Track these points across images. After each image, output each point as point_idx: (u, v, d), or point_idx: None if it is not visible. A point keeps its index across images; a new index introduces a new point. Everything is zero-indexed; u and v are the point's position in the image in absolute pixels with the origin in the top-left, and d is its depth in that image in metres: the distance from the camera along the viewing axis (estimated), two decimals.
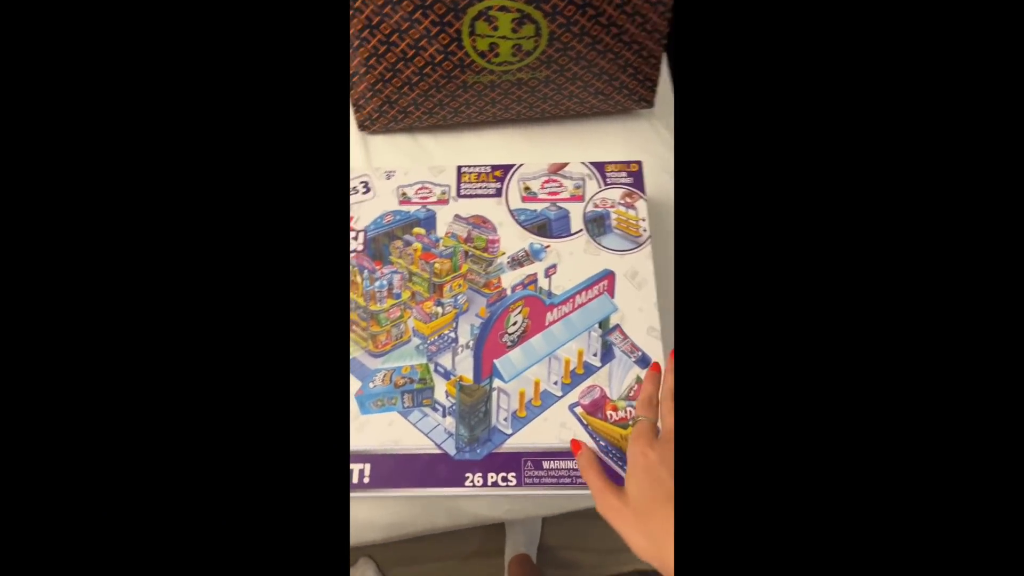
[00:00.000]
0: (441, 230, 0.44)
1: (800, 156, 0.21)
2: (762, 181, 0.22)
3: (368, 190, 0.46)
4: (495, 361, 0.40)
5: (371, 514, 0.47)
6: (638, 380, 0.39)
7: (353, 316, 0.41)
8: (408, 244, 0.44)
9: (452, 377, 0.40)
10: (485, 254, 0.43)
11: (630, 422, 0.38)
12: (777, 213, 0.22)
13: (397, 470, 0.37)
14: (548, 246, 0.43)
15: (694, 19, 0.24)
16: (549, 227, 0.44)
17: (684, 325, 0.24)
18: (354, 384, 0.40)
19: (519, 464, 0.38)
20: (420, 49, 0.46)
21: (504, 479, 0.37)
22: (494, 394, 0.39)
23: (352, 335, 0.41)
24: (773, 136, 0.22)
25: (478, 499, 0.48)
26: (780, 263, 0.21)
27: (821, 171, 0.21)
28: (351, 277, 0.42)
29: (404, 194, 0.45)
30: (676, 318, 0.25)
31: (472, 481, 0.37)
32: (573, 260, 0.43)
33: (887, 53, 0.21)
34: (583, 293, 0.42)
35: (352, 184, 0.46)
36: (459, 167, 0.46)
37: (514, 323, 0.41)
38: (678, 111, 0.26)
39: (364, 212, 0.45)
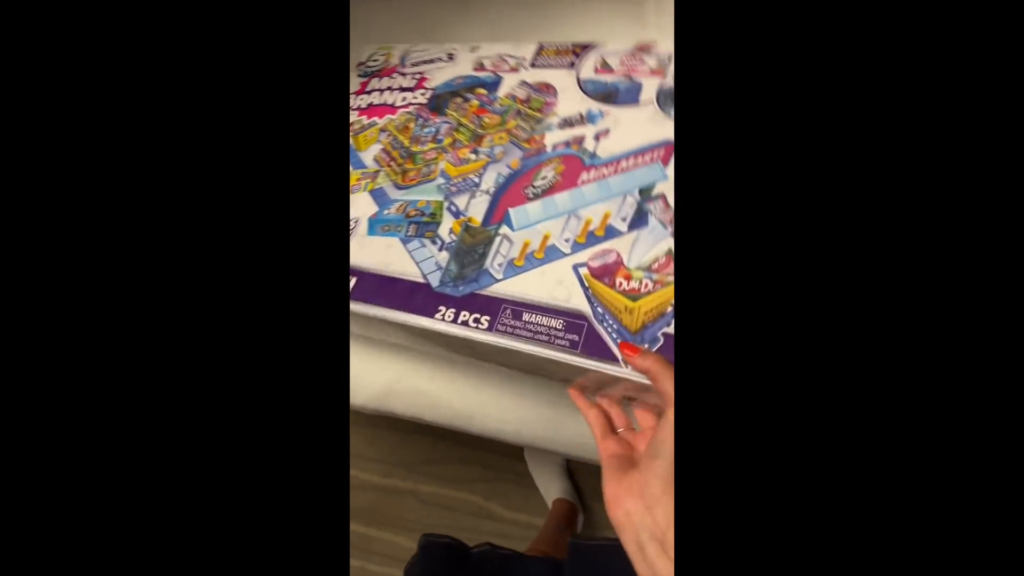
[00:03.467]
0: (503, 92, 0.42)
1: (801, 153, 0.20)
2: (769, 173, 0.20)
3: (451, 59, 0.47)
4: (510, 208, 0.36)
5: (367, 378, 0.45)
6: (669, 252, 0.31)
7: (394, 154, 0.42)
8: (467, 101, 0.43)
9: (461, 217, 0.36)
10: (537, 114, 0.40)
11: (640, 295, 0.30)
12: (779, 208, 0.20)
13: (378, 289, 0.35)
14: (607, 113, 0.38)
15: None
16: (615, 96, 0.39)
17: (685, 321, 0.21)
18: (371, 208, 0.39)
19: (497, 309, 0.32)
20: None
21: (476, 320, 0.32)
22: (497, 239, 0.35)
23: (387, 170, 0.41)
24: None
25: (462, 392, 0.43)
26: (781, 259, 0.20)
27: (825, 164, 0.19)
28: (407, 124, 0.43)
29: (481, 63, 0.45)
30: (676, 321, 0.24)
31: (443, 315, 0.33)
32: (632, 127, 0.37)
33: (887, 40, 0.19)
34: (632, 158, 0.35)
35: (439, 54, 0.47)
36: (541, 43, 0.44)
37: (543, 177, 0.36)
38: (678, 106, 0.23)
39: (439, 75, 0.46)
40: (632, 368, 0.28)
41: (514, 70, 0.43)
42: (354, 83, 0.48)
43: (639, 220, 0.33)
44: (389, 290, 0.35)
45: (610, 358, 0.29)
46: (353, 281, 0.36)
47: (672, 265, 0.31)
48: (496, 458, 0.87)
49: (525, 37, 0.46)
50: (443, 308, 0.33)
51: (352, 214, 0.39)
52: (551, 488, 0.81)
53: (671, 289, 0.30)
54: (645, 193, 0.34)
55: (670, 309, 0.30)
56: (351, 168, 0.42)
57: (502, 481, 0.86)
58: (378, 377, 0.45)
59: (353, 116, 0.45)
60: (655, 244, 0.32)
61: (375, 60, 0.49)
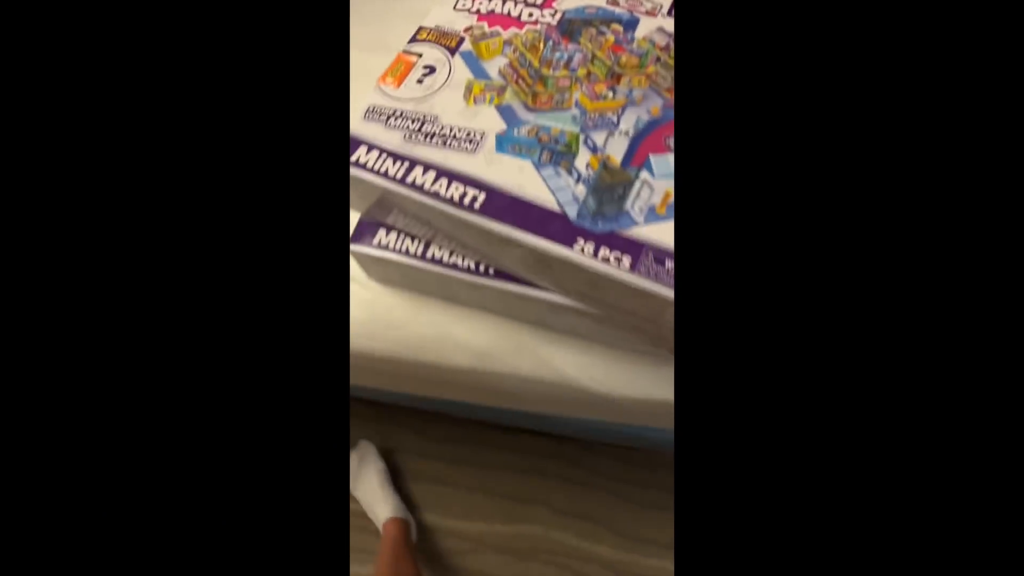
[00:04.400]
0: (640, 34, 0.41)
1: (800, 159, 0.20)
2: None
3: None
4: (651, 155, 0.36)
5: (468, 335, 0.45)
6: None
7: (522, 72, 0.40)
8: (602, 34, 0.41)
9: (599, 153, 0.36)
10: None
11: None
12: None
13: (510, 209, 0.34)
14: None
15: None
16: None
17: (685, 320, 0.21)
18: (499, 124, 0.38)
19: (639, 251, 0.33)
20: None
21: (617, 259, 0.33)
22: (637, 183, 0.35)
23: (515, 87, 0.39)
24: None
25: (567, 353, 0.44)
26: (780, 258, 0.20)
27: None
28: (535, 43, 0.41)
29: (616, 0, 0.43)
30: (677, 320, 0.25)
31: (582, 248, 0.33)
32: None
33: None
34: None
35: None
36: None
37: None
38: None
39: (571, 2, 0.43)
40: None
41: (651, 14, 0.42)
42: None
43: None
44: (523, 213, 0.34)
45: None
46: (482, 196, 0.35)
47: None
48: None
49: None
50: (581, 240, 0.33)
51: (477, 126, 0.37)
52: (380, 509, 0.81)
53: None
54: None
55: None
56: (474, 77, 0.40)
57: None
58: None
59: (472, 20, 0.43)
60: None
61: None
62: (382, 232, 0.42)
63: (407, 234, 0.42)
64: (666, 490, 0.90)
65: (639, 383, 0.46)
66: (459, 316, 0.46)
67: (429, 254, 0.41)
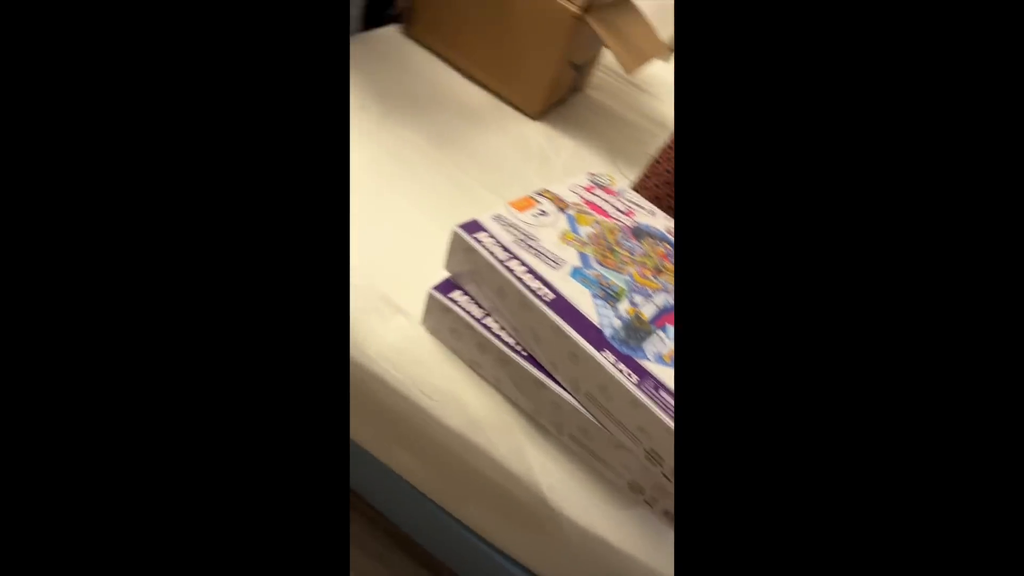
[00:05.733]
0: None
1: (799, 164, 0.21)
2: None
3: (653, 214, 0.65)
4: (667, 323, 0.50)
5: (471, 400, 0.54)
6: None
7: (600, 241, 0.57)
8: (658, 245, 0.60)
9: (636, 308, 0.51)
10: None
11: None
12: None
13: (567, 311, 0.48)
14: None
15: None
16: None
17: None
18: (577, 261, 0.53)
19: (644, 375, 0.45)
20: None
21: (628, 374, 0.44)
22: (655, 336, 0.49)
23: (593, 247, 0.56)
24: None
25: (543, 454, 0.52)
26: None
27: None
28: (614, 229, 0.59)
29: (670, 228, 0.63)
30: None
31: (607, 356, 0.45)
32: None
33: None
34: None
35: (646, 205, 0.66)
36: None
37: None
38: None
39: (643, 218, 0.63)
40: None
41: None
42: (584, 180, 0.65)
43: None
44: (574, 317, 0.47)
45: None
46: (551, 295, 0.49)
47: None
48: None
49: None
50: (608, 351, 0.46)
51: (562, 255, 0.53)
52: None
53: None
54: None
55: None
56: (569, 229, 0.57)
57: None
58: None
59: (578, 199, 0.62)
60: None
61: (603, 178, 0.68)
62: (457, 292, 0.55)
63: (476, 302, 0.54)
64: None
65: (594, 512, 0.52)
66: (473, 381, 0.56)
67: (484, 321, 0.53)
